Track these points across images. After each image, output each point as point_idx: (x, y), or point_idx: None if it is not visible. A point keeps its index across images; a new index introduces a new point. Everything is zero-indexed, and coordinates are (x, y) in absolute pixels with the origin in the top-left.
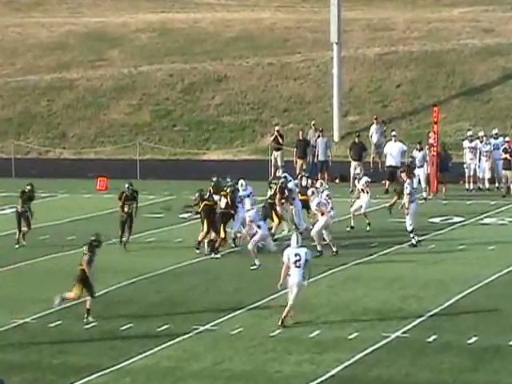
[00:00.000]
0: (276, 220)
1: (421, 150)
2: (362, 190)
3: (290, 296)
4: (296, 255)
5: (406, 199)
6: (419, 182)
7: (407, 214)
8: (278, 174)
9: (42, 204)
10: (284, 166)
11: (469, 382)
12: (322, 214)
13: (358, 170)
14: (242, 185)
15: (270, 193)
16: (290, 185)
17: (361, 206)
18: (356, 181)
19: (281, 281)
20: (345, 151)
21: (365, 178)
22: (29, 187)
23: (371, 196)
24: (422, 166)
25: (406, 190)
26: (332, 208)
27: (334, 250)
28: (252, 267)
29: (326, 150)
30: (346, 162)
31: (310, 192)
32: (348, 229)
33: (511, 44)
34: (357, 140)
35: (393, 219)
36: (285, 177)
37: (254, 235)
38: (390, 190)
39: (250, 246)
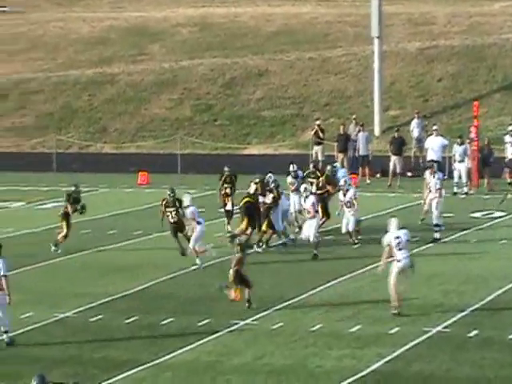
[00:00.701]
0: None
1: (462, 144)
2: (348, 202)
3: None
4: (396, 238)
5: (437, 194)
6: (460, 177)
7: (436, 209)
8: (291, 169)
9: (83, 199)
10: (324, 160)
11: (510, 377)
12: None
13: (341, 182)
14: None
15: (305, 186)
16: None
17: (347, 224)
18: (340, 193)
19: (382, 265)
20: (386, 146)
21: (353, 190)
22: (73, 188)
23: (357, 210)
24: (462, 161)
25: (437, 186)
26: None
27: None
28: (195, 267)
29: (367, 145)
30: (386, 157)
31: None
32: None
33: None
34: (396, 135)
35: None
36: (334, 166)
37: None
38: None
39: (191, 245)
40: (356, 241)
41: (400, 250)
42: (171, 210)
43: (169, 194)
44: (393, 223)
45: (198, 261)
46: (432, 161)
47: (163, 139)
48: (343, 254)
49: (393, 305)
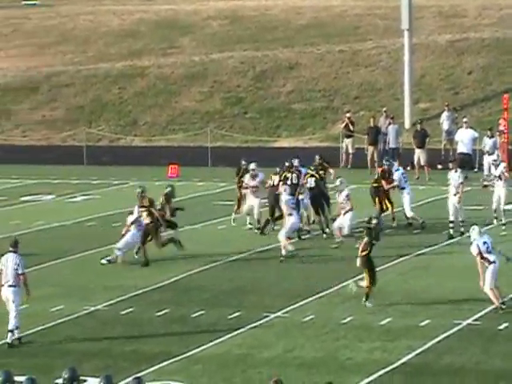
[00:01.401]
0: (388, 204)
1: (492, 137)
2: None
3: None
4: (484, 243)
5: (460, 189)
6: (490, 170)
7: (458, 203)
8: (293, 163)
9: (114, 191)
10: (355, 153)
11: None
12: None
13: (337, 182)
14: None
15: (341, 180)
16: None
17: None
18: (337, 194)
19: (481, 279)
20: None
21: (346, 192)
22: (169, 189)
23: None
24: (492, 153)
25: (460, 180)
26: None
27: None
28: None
29: (397, 137)
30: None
31: (281, 189)
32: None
33: None
34: (419, 127)
35: (464, 207)
36: (387, 160)
37: None
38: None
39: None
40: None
41: (490, 253)
42: (142, 210)
43: (138, 192)
44: (475, 231)
45: (290, 247)
46: (462, 153)
47: (193, 132)
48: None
49: (497, 305)
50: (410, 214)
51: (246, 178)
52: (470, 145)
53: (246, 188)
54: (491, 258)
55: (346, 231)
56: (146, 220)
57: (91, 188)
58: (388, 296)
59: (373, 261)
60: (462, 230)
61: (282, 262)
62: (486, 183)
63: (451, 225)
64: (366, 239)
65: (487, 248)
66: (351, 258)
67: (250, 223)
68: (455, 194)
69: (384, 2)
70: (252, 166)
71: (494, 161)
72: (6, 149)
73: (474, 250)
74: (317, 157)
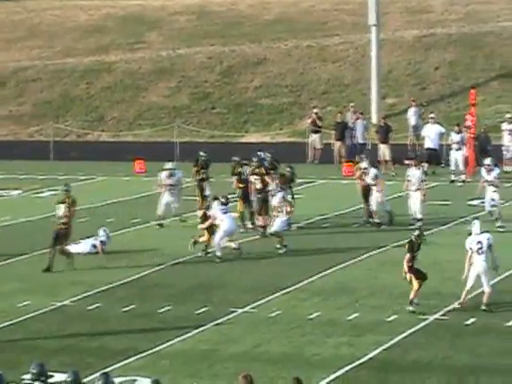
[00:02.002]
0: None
1: (459, 132)
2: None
3: (484, 283)
4: (478, 243)
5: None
6: (457, 165)
7: (423, 201)
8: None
9: (81, 187)
10: (322, 148)
11: (508, 364)
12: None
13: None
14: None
15: (376, 173)
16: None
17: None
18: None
19: (465, 272)
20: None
21: (280, 194)
22: (203, 154)
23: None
24: (460, 149)
25: (422, 177)
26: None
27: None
28: None
29: (365, 133)
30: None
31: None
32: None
33: None
34: (382, 123)
35: (429, 202)
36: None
37: None
38: (428, 173)
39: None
40: (278, 246)
41: (480, 254)
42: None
43: (62, 190)
44: (476, 226)
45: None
46: (429, 149)
47: (161, 127)
48: (341, 241)
49: (461, 301)
50: (375, 208)
51: (163, 176)
52: (437, 140)
53: (162, 186)
54: (477, 260)
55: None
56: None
57: (58, 183)
58: (355, 291)
59: (418, 268)
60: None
61: (218, 262)
62: (453, 178)
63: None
64: (408, 255)
65: (479, 248)
66: (319, 253)
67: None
68: (416, 191)
69: None
70: (169, 165)
71: (488, 165)
72: None
73: (467, 245)
74: (260, 153)
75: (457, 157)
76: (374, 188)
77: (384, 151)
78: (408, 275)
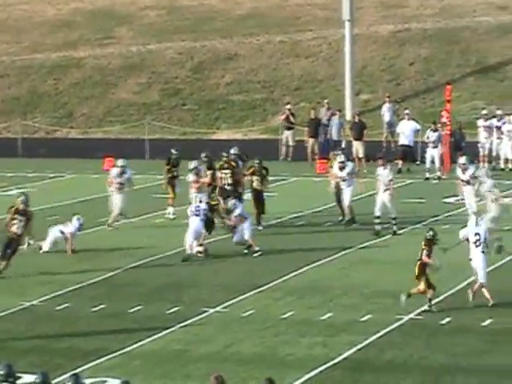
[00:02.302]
0: None
1: (436, 130)
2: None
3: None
4: (476, 234)
5: (390, 186)
6: (432, 162)
7: (390, 201)
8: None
9: (49, 184)
10: (295, 145)
11: (483, 364)
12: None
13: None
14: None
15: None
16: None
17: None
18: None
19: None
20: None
21: (232, 201)
22: (175, 153)
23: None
24: (436, 147)
25: (390, 177)
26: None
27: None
28: None
29: (340, 130)
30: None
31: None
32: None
33: None
34: (357, 119)
35: (404, 200)
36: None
37: None
38: (402, 170)
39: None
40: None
41: (478, 246)
42: (20, 218)
43: (23, 200)
44: (472, 219)
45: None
46: (404, 145)
47: (130, 124)
48: (314, 240)
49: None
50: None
51: (113, 173)
52: (412, 137)
53: (112, 183)
54: (475, 253)
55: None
56: (17, 230)
57: (26, 181)
58: (329, 290)
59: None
60: (395, 228)
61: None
62: (428, 176)
63: (377, 220)
64: (425, 252)
65: (477, 240)
66: (292, 252)
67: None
68: (385, 191)
69: None
70: (120, 162)
71: (463, 164)
72: None
73: (461, 234)
74: (232, 150)
75: (433, 154)
76: (344, 184)
77: (358, 148)
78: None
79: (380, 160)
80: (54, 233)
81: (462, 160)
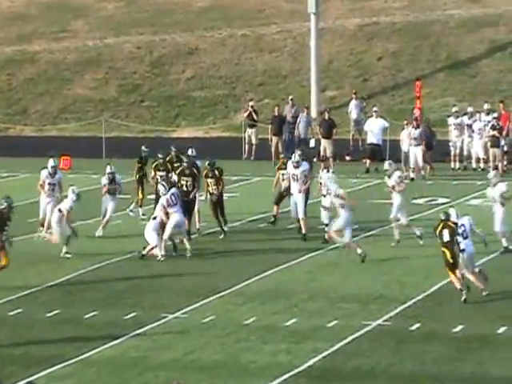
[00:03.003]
0: None
1: (417, 127)
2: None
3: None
4: (461, 225)
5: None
6: (415, 162)
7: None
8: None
9: (3, 184)
10: (258, 143)
11: (454, 372)
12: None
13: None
14: None
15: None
16: None
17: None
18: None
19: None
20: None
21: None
22: (146, 150)
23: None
24: (419, 145)
25: (331, 180)
26: None
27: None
28: None
29: (308, 128)
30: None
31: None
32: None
33: (499, 15)
34: (326, 116)
35: (373, 201)
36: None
37: None
38: (370, 170)
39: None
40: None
41: (465, 238)
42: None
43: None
44: (453, 213)
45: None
46: (372, 144)
47: (87, 121)
48: (278, 242)
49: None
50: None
51: (44, 174)
52: (380, 135)
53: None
54: (462, 245)
55: None
56: None
57: None
58: (294, 295)
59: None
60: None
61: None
62: (412, 176)
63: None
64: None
65: (463, 232)
66: (255, 255)
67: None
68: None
69: None
70: (51, 162)
71: (386, 170)
72: None
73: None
74: (190, 151)
75: (416, 153)
76: (296, 186)
77: (326, 147)
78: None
79: (323, 162)
80: (54, 217)
81: (386, 165)
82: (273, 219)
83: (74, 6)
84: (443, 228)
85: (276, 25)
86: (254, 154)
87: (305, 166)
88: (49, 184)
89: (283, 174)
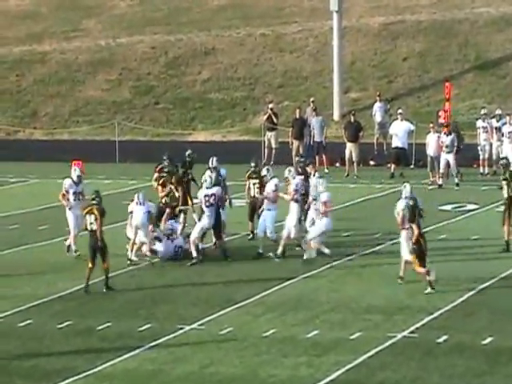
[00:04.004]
0: None
1: (449, 134)
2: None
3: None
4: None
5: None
6: (448, 166)
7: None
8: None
9: (11, 190)
10: (278, 147)
11: None
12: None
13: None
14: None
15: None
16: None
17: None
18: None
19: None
20: None
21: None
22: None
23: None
24: (451, 152)
25: (321, 188)
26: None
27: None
28: None
29: (322, 130)
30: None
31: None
32: None
33: None
34: (352, 119)
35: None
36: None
37: None
38: (395, 174)
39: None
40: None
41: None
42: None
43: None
44: (407, 188)
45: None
46: (397, 148)
47: (99, 124)
48: (300, 251)
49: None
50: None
51: (67, 183)
52: (405, 138)
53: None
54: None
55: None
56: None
57: None
58: (315, 306)
59: None
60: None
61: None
62: (440, 182)
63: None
64: None
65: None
66: (275, 264)
67: None
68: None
69: None
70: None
71: (264, 176)
72: None
73: (398, 208)
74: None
75: (449, 159)
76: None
77: (352, 150)
78: None
79: (309, 166)
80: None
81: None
82: (251, 236)
83: (86, 5)
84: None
85: (297, 23)
86: (273, 158)
87: (275, 181)
88: (74, 193)
89: (254, 184)
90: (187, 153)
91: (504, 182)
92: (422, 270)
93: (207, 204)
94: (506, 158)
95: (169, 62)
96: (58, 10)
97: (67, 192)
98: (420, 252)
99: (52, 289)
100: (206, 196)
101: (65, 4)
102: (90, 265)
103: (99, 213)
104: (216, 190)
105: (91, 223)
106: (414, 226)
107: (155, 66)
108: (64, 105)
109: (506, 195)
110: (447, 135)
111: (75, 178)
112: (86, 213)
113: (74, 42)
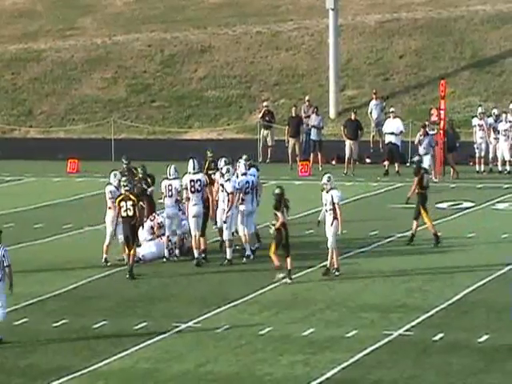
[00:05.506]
0: None
1: (426, 134)
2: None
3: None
4: (247, 182)
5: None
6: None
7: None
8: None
9: (7, 188)
10: (274, 145)
11: None
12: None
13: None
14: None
15: None
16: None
17: None
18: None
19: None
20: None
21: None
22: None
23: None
24: (427, 154)
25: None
26: None
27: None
28: None
29: (321, 129)
30: (342, 142)
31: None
32: None
33: None
34: (353, 117)
35: (393, 205)
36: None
37: None
38: (390, 172)
39: None
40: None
41: (247, 193)
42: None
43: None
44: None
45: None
46: (390, 143)
47: (95, 123)
48: (296, 249)
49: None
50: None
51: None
52: (398, 134)
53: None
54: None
55: None
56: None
57: None
58: (311, 304)
59: None
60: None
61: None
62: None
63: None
64: None
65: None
66: (270, 262)
67: None
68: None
69: None
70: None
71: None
72: None
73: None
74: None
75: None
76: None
77: (352, 148)
78: None
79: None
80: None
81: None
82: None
83: (82, 3)
84: None
85: (293, 21)
86: (269, 156)
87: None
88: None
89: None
90: (209, 154)
91: None
92: (274, 257)
93: (192, 190)
94: None
95: (165, 60)
96: (54, 8)
97: (112, 198)
98: (279, 240)
99: (48, 287)
100: (191, 181)
101: (60, 2)
102: (132, 251)
103: (135, 197)
104: (201, 175)
105: (127, 209)
106: (279, 214)
107: (151, 64)
108: (60, 103)
109: None
110: (422, 136)
111: (115, 184)
112: (121, 200)
113: (69, 41)
